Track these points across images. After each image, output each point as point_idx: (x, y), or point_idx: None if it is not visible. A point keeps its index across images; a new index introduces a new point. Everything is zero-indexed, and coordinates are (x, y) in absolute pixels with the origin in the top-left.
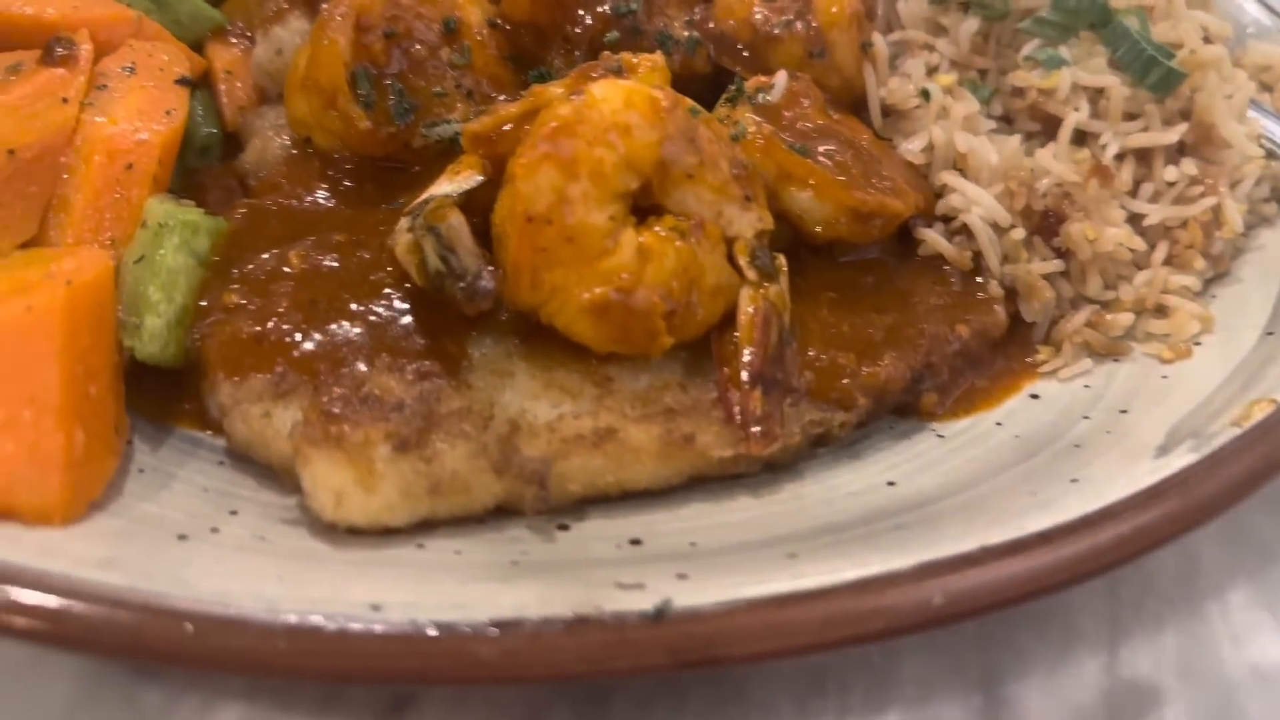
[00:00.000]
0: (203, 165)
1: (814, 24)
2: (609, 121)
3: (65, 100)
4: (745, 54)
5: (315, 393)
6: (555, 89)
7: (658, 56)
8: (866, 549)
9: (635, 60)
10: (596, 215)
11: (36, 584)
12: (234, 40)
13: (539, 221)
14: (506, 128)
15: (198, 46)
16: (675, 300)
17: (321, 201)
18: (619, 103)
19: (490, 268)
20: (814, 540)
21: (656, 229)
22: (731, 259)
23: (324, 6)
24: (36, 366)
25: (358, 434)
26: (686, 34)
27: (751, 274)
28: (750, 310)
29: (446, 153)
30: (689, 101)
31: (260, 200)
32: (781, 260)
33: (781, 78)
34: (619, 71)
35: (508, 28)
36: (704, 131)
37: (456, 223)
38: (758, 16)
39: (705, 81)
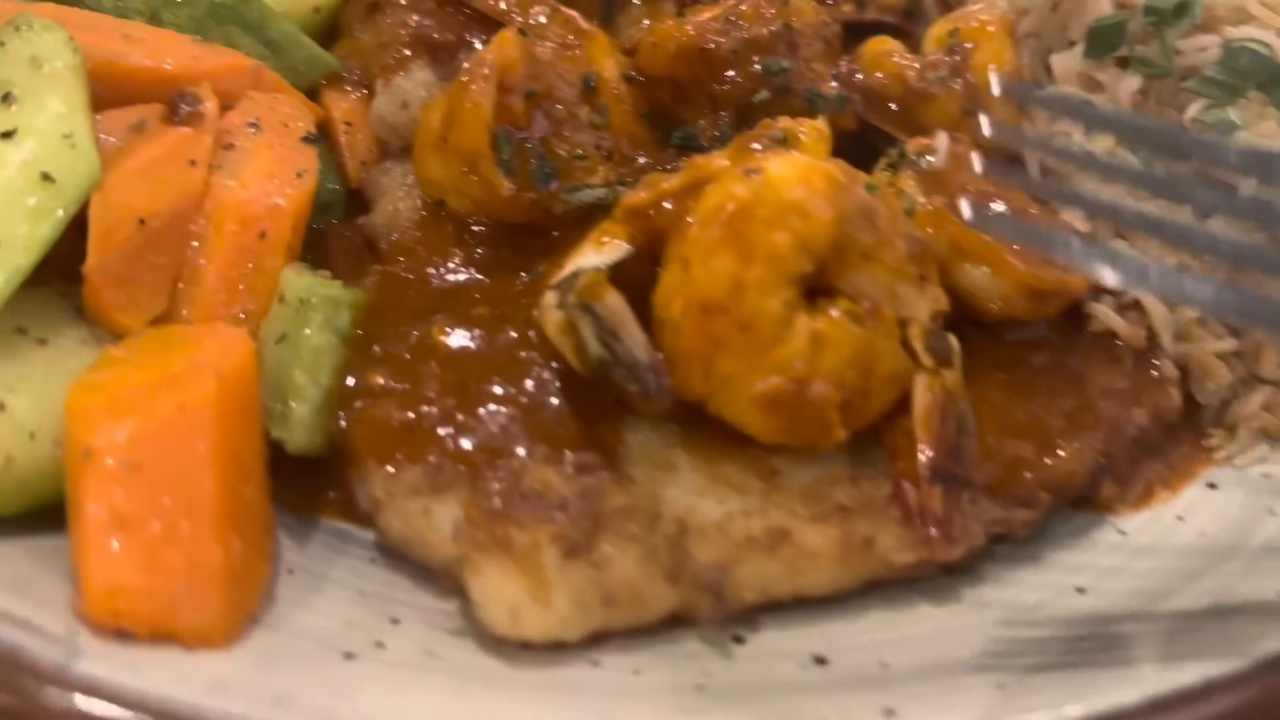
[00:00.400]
0: (326, 225)
1: (971, 80)
2: (786, 202)
3: (193, 163)
4: (894, 111)
5: (474, 486)
6: (718, 161)
7: (822, 124)
8: (1081, 678)
9: (800, 129)
10: (772, 302)
11: None
12: (350, 89)
13: (714, 311)
14: (666, 204)
15: (312, 94)
16: (850, 390)
17: (458, 269)
18: (796, 181)
19: (660, 354)
20: (1018, 661)
21: (831, 313)
22: (905, 342)
23: (465, 66)
24: (192, 471)
25: (524, 536)
26: (835, 91)
27: (927, 359)
28: (927, 400)
29: (585, 217)
30: (864, 175)
31: (393, 267)
32: (955, 344)
33: (944, 140)
34: (783, 141)
35: (642, 80)
36: (881, 208)
37: (616, 304)
38: (910, 72)
39: (847, 139)
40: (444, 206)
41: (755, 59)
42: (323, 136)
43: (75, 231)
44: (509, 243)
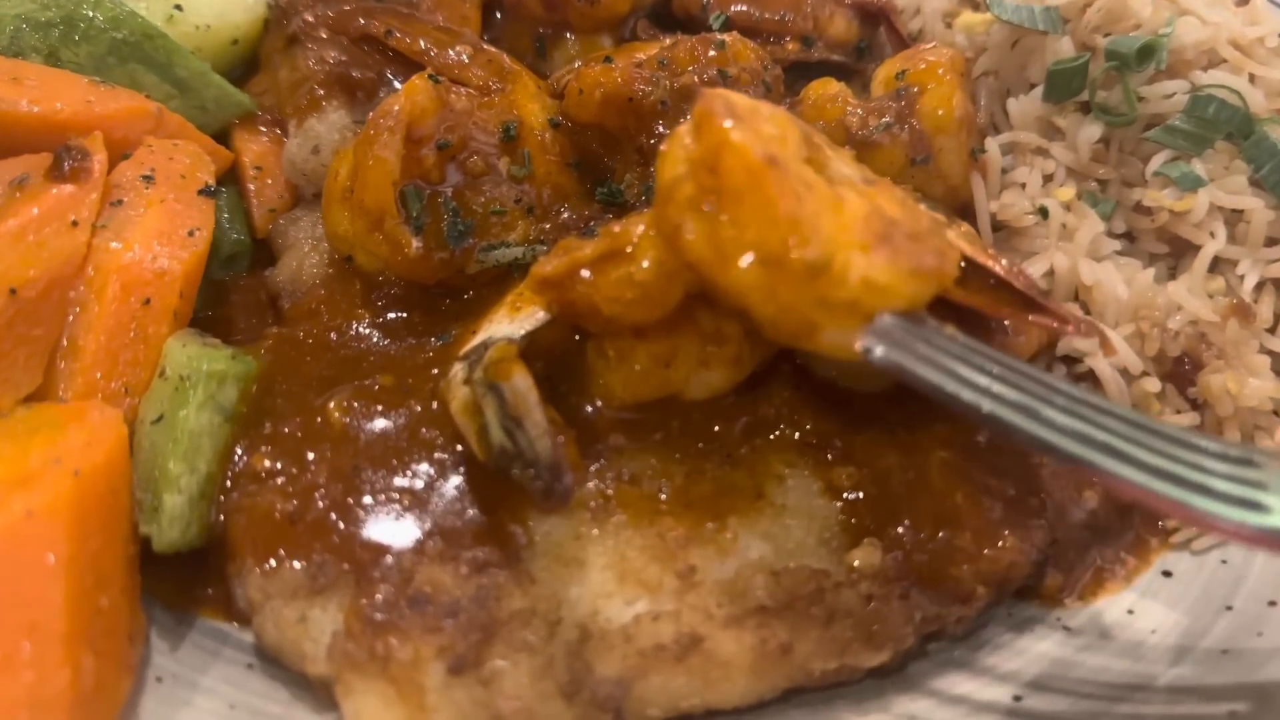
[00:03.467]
0: (229, 277)
1: (918, 127)
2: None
3: (75, 223)
4: None
5: (357, 588)
6: (635, 226)
7: None
8: None
9: None
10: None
11: None
12: (263, 130)
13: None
14: (583, 273)
15: (222, 136)
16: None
17: (363, 333)
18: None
19: (561, 439)
20: None
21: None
22: None
23: (370, 116)
24: (38, 586)
25: (406, 650)
26: None
27: None
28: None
29: (503, 276)
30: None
31: (294, 330)
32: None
33: None
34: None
35: (570, 127)
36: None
37: (523, 386)
38: (853, 119)
39: None
40: (351, 262)
41: (686, 109)
42: (231, 182)
43: None
44: (420, 304)
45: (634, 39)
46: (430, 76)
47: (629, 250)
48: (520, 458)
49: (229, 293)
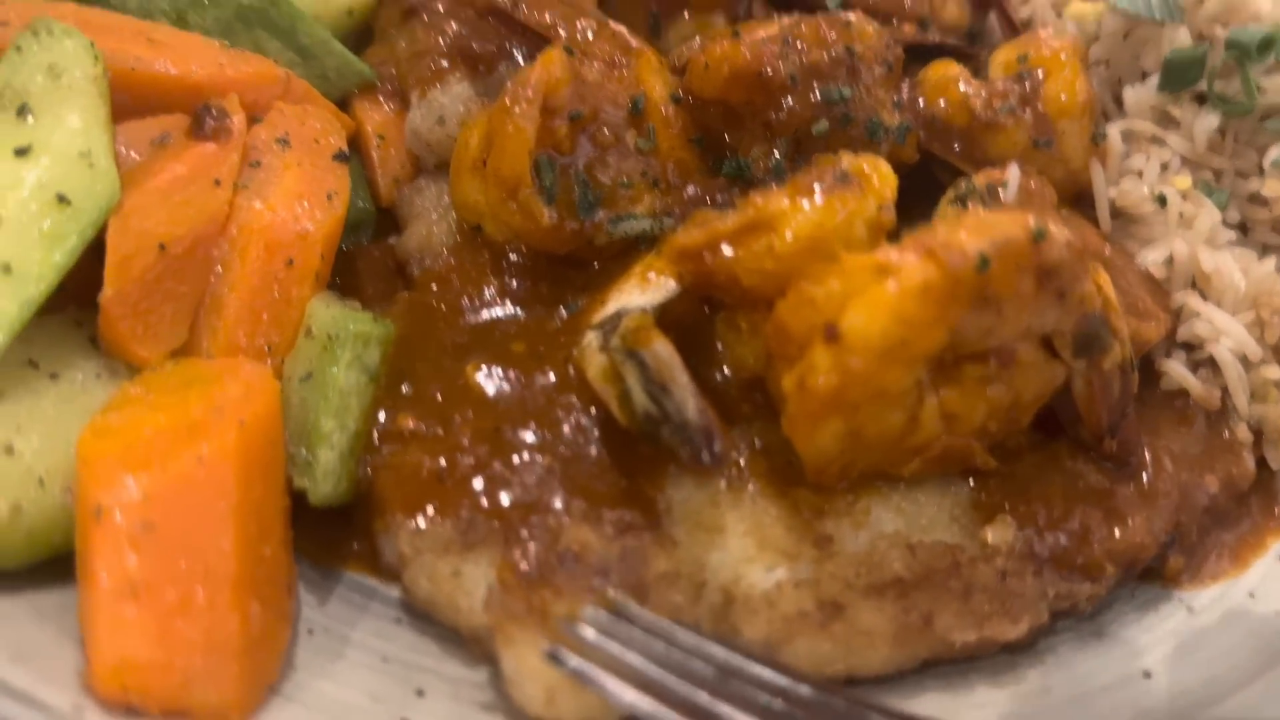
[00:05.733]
0: (355, 245)
1: (1041, 110)
2: (881, 347)
3: (218, 182)
4: (959, 142)
5: (507, 545)
6: (776, 201)
7: (885, 166)
8: None
9: (865, 167)
10: (894, 416)
11: None
12: (382, 100)
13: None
14: (724, 247)
15: (342, 104)
16: (993, 434)
17: (493, 300)
18: (887, 324)
19: (712, 414)
20: None
21: (960, 384)
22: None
23: (508, 85)
24: (210, 532)
25: (562, 606)
26: (897, 121)
27: (1079, 363)
28: (1087, 393)
29: (628, 249)
30: (972, 255)
31: (425, 296)
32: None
33: (1015, 173)
34: (845, 180)
35: (692, 103)
36: (997, 285)
37: (666, 353)
38: (976, 100)
39: (907, 170)
40: (480, 232)
41: (815, 86)
42: (354, 151)
43: (91, 254)
44: (547, 274)
45: (749, 18)
46: (565, 48)
47: (770, 222)
48: (668, 422)
49: (354, 259)
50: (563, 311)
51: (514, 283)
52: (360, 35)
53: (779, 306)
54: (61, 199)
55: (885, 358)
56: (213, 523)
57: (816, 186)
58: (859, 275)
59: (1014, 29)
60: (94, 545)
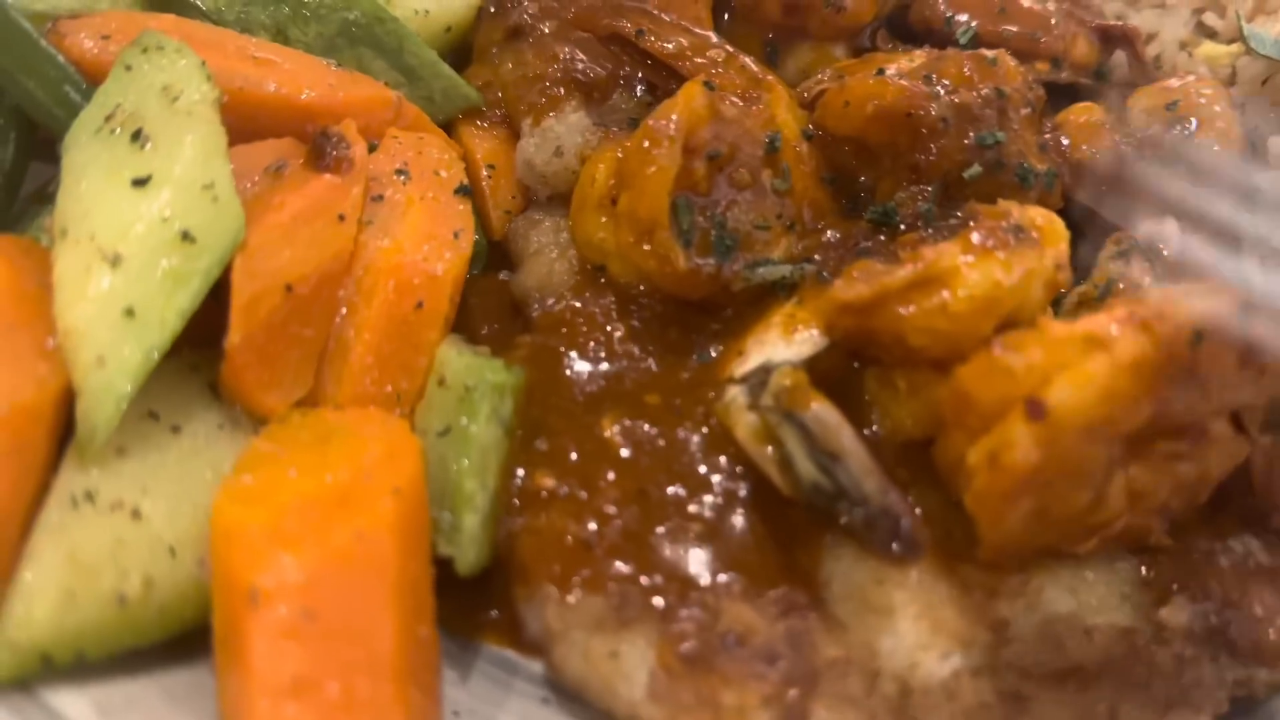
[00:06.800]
0: (467, 279)
1: (1195, 160)
2: (1088, 424)
3: (342, 217)
4: (1106, 190)
5: (663, 623)
6: (947, 254)
7: (1059, 222)
8: None
9: (1039, 220)
10: (1083, 494)
11: None
12: (487, 126)
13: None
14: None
15: (446, 128)
16: (1173, 511)
17: (620, 347)
18: (1097, 400)
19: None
20: None
21: (1151, 456)
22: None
23: (647, 122)
24: (371, 615)
25: (731, 696)
26: (1045, 166)
27: (1265, 439)
28: (1265, 468)
29: (762, 294)
30: (1186, 329)
31: (548, 339)
32: None
33: (1175, 228)
34: (1020, 235)
35: (822, 138)
36: (1206, 360)
37: (830, 418)
38: (1126, 148)
39: None
40: (603, 272)
41: (968, 129)
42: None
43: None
44: (676, 319)
45: (871, 49)
46: (705, 83)
47: (942, 279)
48: (844, 497)
49: (467, 296)
50: (694, 359)
51: (642, 328)
52: (458, 53)
53: (963, 374)
54: (186, 236)
55: (1088, 435)
56: (373, 606)
57: (990, 241)
58: (1066, 347)
59: (1145, 69)
60: (247, 633)
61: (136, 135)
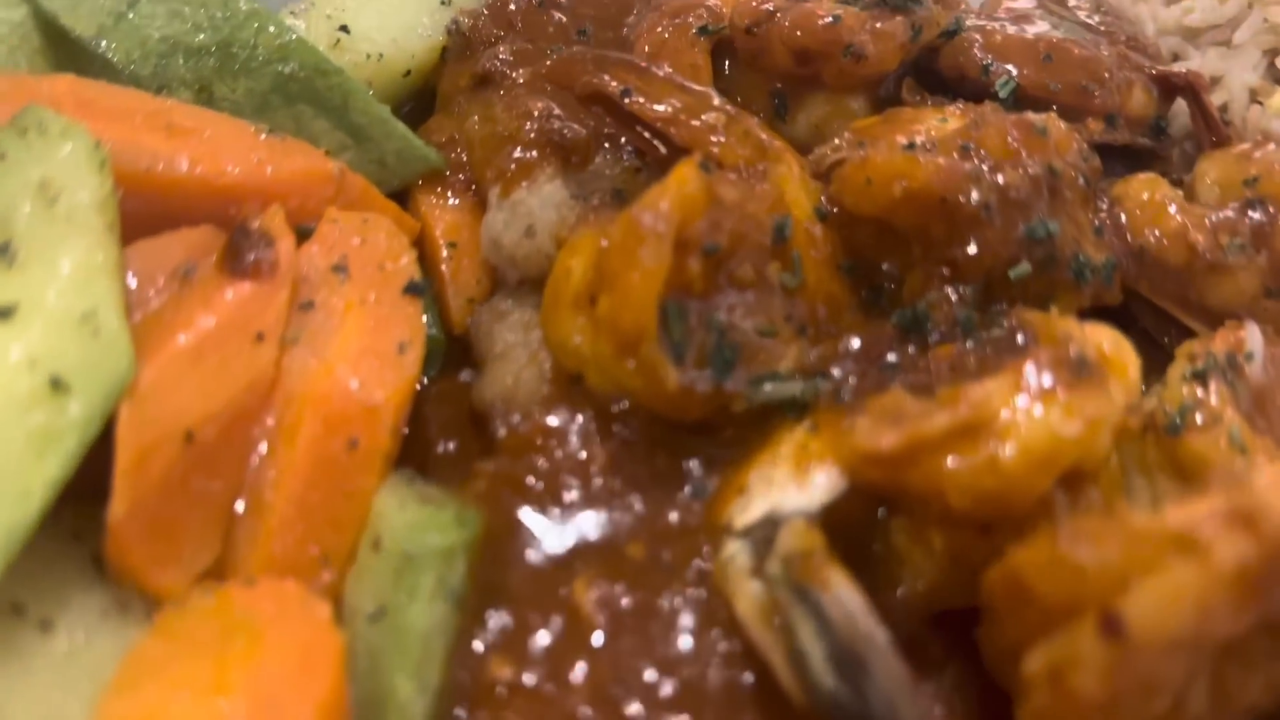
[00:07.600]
0: (421, 384)
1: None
2: (1173, 641)
3: (261, 337)
4: (1172, 283)
5: None
6: (996, 398)
7: (1129, 349)
8: None
9: (1106, 349)
10: (1159, 703)
11: None
12: (449, 193)
13: None
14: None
15: (399, 197)
16: (1257, 710)
17: (599, 479)
18: (1186, 617)
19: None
20: None
21: (1244, 656)
22: None
23: (632, 213)
24: None
25: None
26: (1103, 257)
27: None
28: None
29: (768, 411)
30: None
31: (511, 469)
32: None
33: (1258, 338)
34: (1084, 369)
35: (838, 217)
36: None
37: (853, 603)
38: (1199, 235)
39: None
40: (580, 382)
41: (1017, 218)
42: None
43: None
44: (665, 443)
45: (895, 101)
46: (700, 164)
47: (989, 427)
48: (866, 717)
49: (419, 406)
50: (686, 492)
51: (624, 453)
52: (420, 100)
53: (1021, 562)
54: (57, 383)
55: (1173, 650)
56: None
57: (1047, 379)
58: (1149, 545)
59: (1212, 124)
60: None
61: (4, 250)
